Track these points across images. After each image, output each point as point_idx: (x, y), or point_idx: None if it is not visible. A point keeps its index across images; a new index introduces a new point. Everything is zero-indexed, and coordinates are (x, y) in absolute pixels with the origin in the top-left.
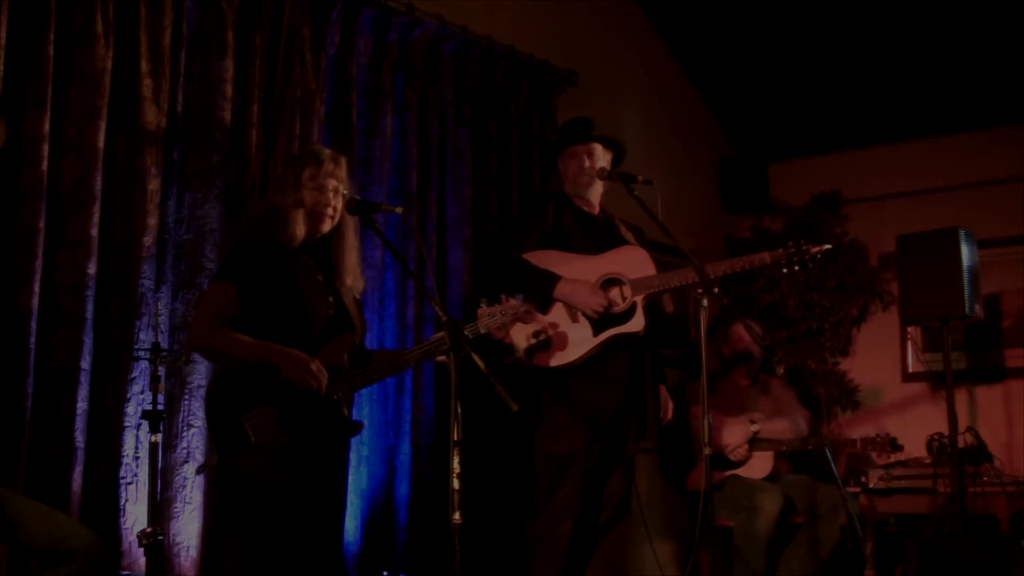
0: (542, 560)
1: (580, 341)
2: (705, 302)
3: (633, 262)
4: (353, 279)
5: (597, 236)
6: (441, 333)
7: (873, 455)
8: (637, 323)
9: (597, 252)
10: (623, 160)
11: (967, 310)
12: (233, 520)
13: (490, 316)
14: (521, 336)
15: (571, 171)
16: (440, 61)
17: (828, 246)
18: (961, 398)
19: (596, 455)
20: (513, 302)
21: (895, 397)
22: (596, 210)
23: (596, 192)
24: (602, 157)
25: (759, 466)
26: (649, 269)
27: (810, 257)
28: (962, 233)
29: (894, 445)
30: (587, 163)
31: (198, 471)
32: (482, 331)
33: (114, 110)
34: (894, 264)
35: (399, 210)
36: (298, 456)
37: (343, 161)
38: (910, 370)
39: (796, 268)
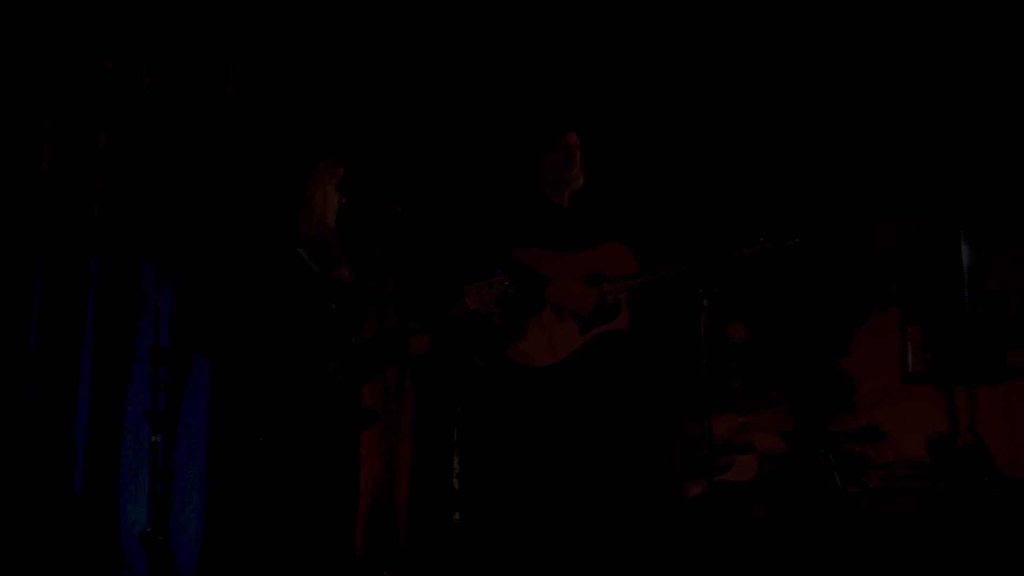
0: (527, 557)
1: (567, 340)
2: (705, 302)
3: (615, 258)
4: (346, 272)
5: (572, 231)
6: (442, 313)
7: (862, 448)
8: (623, 320)
9: (574, 247)
10: None
11: (967, 310)
12: (254, 517)
13: (477, 290)
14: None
15: (553, 166)
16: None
17: (797, 239)
18: (961, 398)
19: (583, 454)
20: (498, 276)
21: (895, 397)
22: (566, 203)
23: (574, 188)
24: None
25: (744, 469)
26: (631, 265)
27: (783, 251)
28: (962, 233)
29: (875, 434)
30: (575, 158)
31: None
32: (471, 307)
33: (114, 110)
34: (894, 264)
35: (399, 210)
36: (318, 451)
37: (338, 160)
38: (910, 370)
39: (772, 257)
